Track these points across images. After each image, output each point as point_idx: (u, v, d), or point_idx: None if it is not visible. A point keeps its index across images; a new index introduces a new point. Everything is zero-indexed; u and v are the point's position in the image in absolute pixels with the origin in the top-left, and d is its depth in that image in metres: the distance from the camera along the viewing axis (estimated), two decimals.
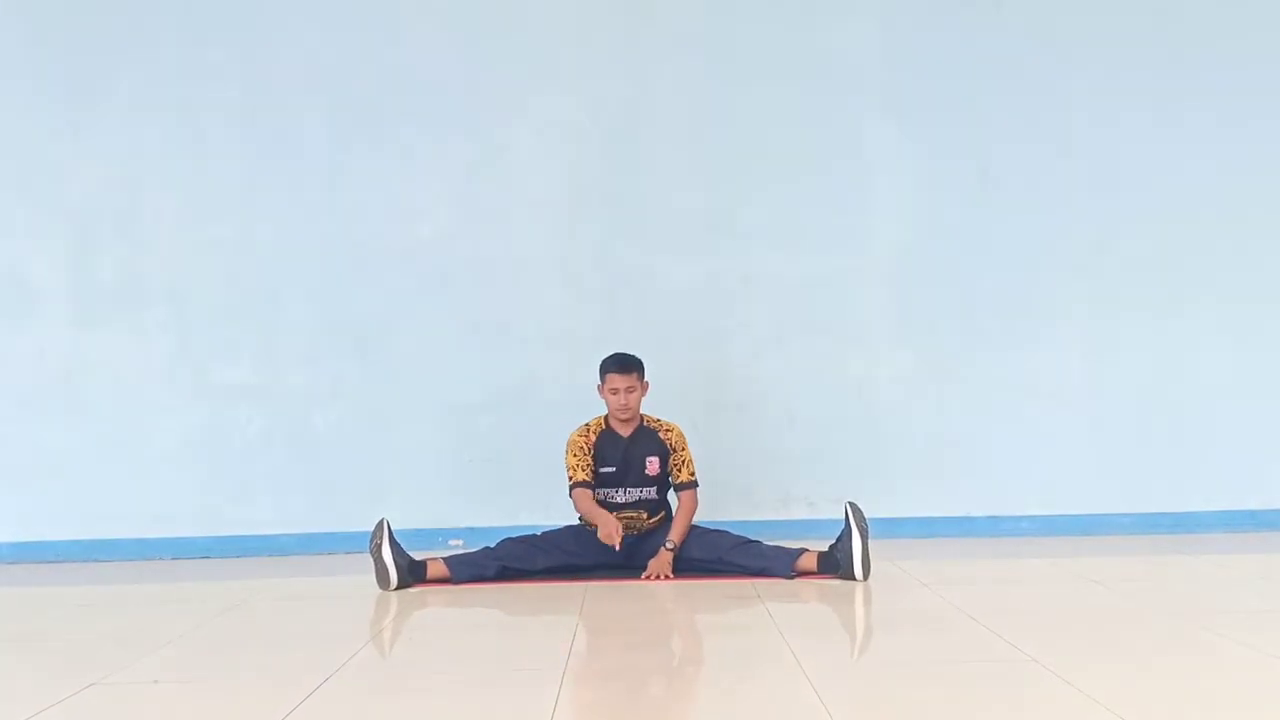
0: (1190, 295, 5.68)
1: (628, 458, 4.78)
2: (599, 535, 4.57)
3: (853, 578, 4.43)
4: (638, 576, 4.56)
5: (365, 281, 5.61)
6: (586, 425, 4.85)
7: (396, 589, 4.48)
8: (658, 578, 4.53)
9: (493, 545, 4.74)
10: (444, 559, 4.67)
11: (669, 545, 4.62)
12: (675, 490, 4.81)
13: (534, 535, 4.80)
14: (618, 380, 4.74)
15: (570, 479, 4.76)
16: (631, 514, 4.76)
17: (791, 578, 4.51)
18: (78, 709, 2.94)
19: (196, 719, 2.87)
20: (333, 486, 5.54)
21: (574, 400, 5.50)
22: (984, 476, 5.63)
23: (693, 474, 4.81)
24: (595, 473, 4.78)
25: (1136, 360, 5.67)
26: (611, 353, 4.82)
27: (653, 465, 4.79)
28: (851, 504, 4.53)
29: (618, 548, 4.53)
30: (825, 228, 5.66)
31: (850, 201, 5.67)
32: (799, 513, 5.50)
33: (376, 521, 4.58)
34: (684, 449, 4.84)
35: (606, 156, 5.67)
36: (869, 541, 4.45)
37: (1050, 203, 5.68)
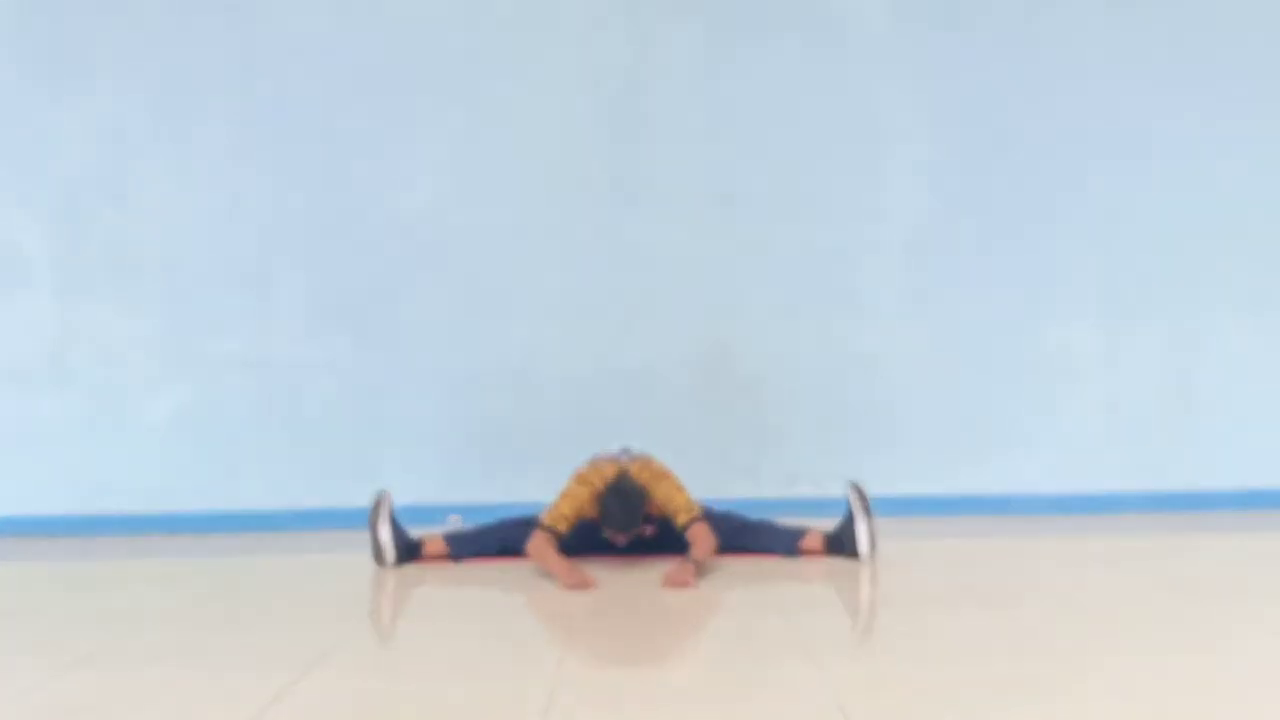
0: (1208, 270, 5.62)
1: None
2: (565, 586, 3.99)
3: (858, 558, 4.36)
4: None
5: (360, 252, 5.52)
6: (595, 481, 4.35)
7: (394, 566, 4.42)
8: (679, 585, 3.97)
9: (491, 523, 4.62)
10: (443, 536, 4.59)
11: (693, 558, 4.16)
12: (681, 532, 4.28)
13: (533, 517, 4.53)
14: (620, 536, 4.29)
15: (548, 519, 4.28)
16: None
17: (796, 557, 4.45)
18: (71, 685, 2.90)
19: (189, 695, 2.82)
20: (328, 462, 5.47)
21: (574, 375, 5.45)
22: (996, 454, 5.57)
23: (690, 510, 4.28)
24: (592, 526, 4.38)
25: (1152, 336, 5.63)
26: (613, 492, 4.24)
27: (648, 529, 4.37)
28: (853, 484, 4.46)
29: (590, 587, 4.03)
30: (835, 198, 5.58)
31: (861, 171, 5.59)
32: (806, 491, 5.43)
33: (377, 494, 4.49)
34: (665, 495, 4.30)
35: (609, 124, 5.56)
36: (873, 521, 4.38)
37: (1065, 174, 5.60)
